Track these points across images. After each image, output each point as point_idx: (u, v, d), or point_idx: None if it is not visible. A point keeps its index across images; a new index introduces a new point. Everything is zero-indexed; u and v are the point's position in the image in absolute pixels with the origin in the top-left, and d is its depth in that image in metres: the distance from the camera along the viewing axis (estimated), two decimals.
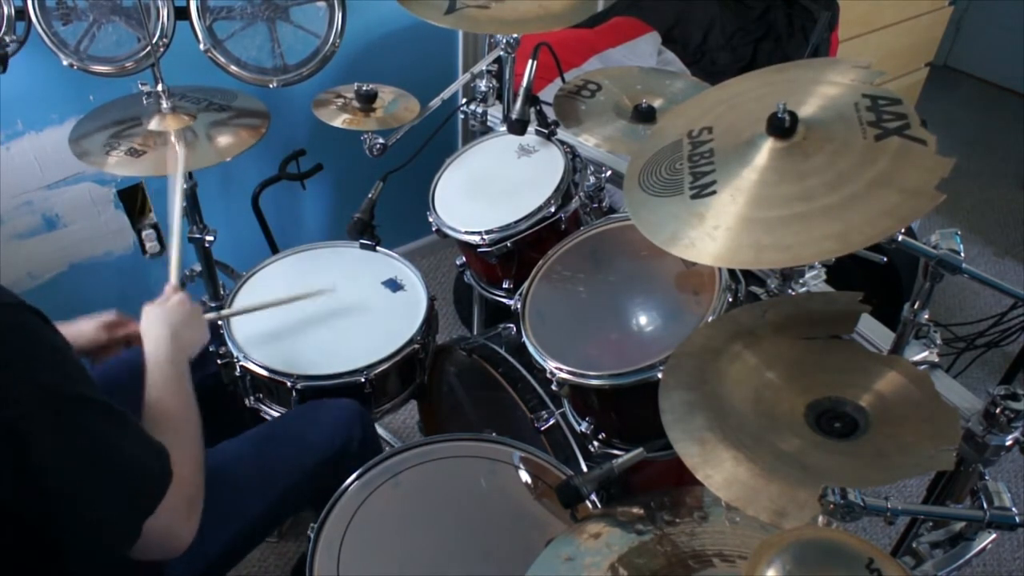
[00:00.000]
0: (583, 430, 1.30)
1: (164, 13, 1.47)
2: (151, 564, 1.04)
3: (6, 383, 0.75)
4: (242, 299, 1.50)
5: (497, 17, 1.46)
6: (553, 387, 1.23)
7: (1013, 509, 0.80)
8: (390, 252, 1.61)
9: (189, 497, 0.93)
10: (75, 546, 0.86)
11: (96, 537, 0.85)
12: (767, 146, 0.88)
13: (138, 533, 0.85)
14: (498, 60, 1.65)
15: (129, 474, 0.86)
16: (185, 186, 1.44)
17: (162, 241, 1.99)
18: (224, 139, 1.49)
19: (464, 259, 1.66)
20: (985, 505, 0.81)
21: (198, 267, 1.83)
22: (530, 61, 1.47)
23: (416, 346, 1.42)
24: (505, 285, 1.55)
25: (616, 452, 1.28)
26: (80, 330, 1.18)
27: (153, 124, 1.49)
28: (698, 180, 0.92)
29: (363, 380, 1.35)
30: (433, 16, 1.44)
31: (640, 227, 0.94)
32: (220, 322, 1.42)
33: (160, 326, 1.10)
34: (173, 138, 1.45)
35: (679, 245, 0.88)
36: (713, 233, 0.85)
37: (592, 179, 1.52)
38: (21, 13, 1.40)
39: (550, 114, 1.51)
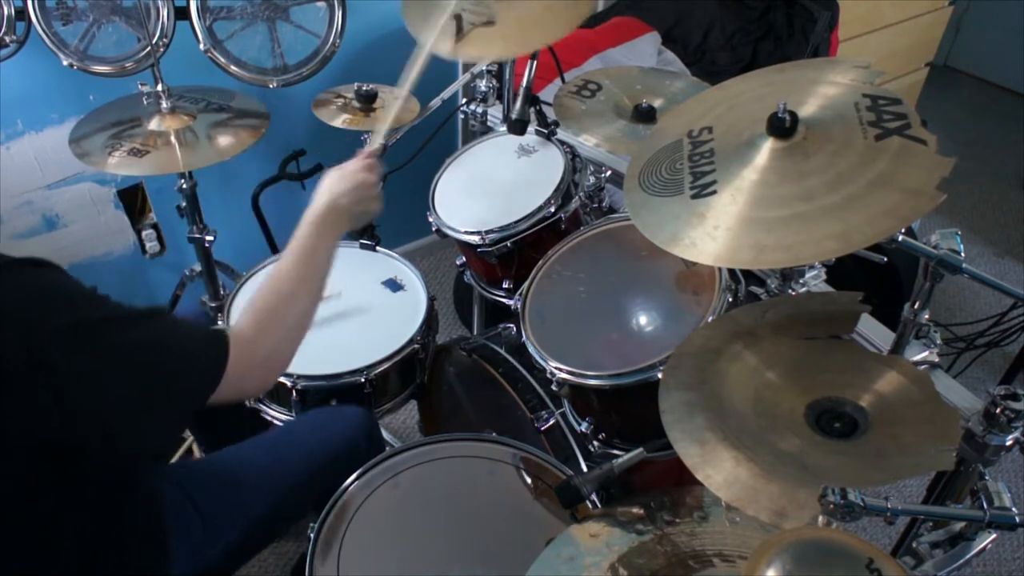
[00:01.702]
0: (583, 430, 1.30)
1: (164, 13, 1.48)
2: (156, 565, 1.04)
3: (29, 334, 0.75)
4: (241, 300, 1.49)
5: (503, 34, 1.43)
6: (553, 387, 1.23)
7: (1013, 509, 0.80)
8: (390, 252, 1.61)
9: (264, 358, 0.94)
10: (116, 470, 0.88)
11: (145, 445, 0.87)
12: (767, 146, 0.88)
13: (186, 423, 0.87)
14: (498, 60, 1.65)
15: (175, 370, 0.86)
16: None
17: (162, 241, 2.00)
18: (224, 139, 1.50)
19: (464, 259, 1.66)
20: (985, 505, 0.81)
21: (198, 267, 1.83)
22: (530, 61, 1.47)
23: (416, 346, 1.42)
24: (505, 285, 1.55)
25: (616, 452, 1.28)
26: None
27: (153, 124, 1.49)
28: (698, 180, 0.92)
29: (363, 380, 1.35)
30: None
31: (640, 227, 0.94)
32: (220, 322, 1.42)
33: (324, 191, 1.09)
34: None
35: (680, 245, 0.88)
36: (714, 233, 0.85)
37: (592, 179, 1.52)
38: (21, 13, 1.40)
39: (550, 114, 1.51)
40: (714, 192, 0.89)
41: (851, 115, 0.87)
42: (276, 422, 1.41)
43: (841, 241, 0.78)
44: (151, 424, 0.85)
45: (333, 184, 1.10)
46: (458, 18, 1.32)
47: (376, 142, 1.22)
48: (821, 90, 0.93)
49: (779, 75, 1.02)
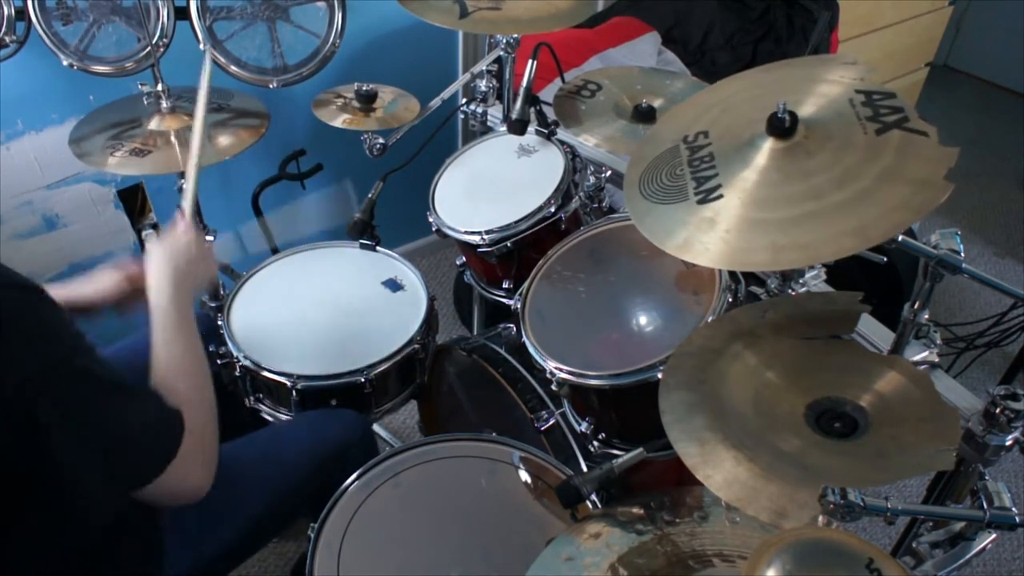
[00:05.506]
0: (583, 430, 1.30)
1: (164, 13, 1.47)
2: (152, 563, 1.04)
3: (11, 359, 0.76)
4: (241, 299, 1.49)
5: (510, 17, 1.46)
6: (553, 387, 1.23)
7: (1013, 509, 0.80)
8: (390, 252, 1.61)
9: (203, 446, 0.93)
10: (78, 513, 0.86)
11: (96, 502, 0.86)
12: (767, 146, 0.88)
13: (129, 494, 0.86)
14: (498, 60, 1.65)
15: (131, 444, 0.86)
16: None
17: None
18: (224, 139, 1.50)
19: (464, 259, 1.66)
20: (985, 505, 0.81)
21: None
22: (530, 61, 1.47)
23: (416, 346, 1.42)
24: (505, 285, 1.55)
25: (616, 452, 1.28)
26: (100, 282, 1.15)
27: (153, 124, 1.49)
28: (702, 185, 0.91)
29: (363, 380, 1.35)
30: (448, 21, 1.43)
31: (649, 236, 0.92)
32: (220, 322, 1.42)
33: (163, 265, 1.05)
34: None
35: (693, 251, 0.87)
36: (726, 236, 0.85)
37: (592, 179, 1.52)
38: (21, 13, 1.40)
39: (550, 114, 1.51)
40: (721, 196, 0.88)
41: (848, 111, 0.87)
42: (274, 422, 1.41)
43: (858, 237, 0.77)
44: (89, 485, 0.84)
45: (168, 255, 1.06)
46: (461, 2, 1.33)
47: (188, 204, 1.18)
48: (814, 88, 0.93)
49: (767, 75, 1.02)
